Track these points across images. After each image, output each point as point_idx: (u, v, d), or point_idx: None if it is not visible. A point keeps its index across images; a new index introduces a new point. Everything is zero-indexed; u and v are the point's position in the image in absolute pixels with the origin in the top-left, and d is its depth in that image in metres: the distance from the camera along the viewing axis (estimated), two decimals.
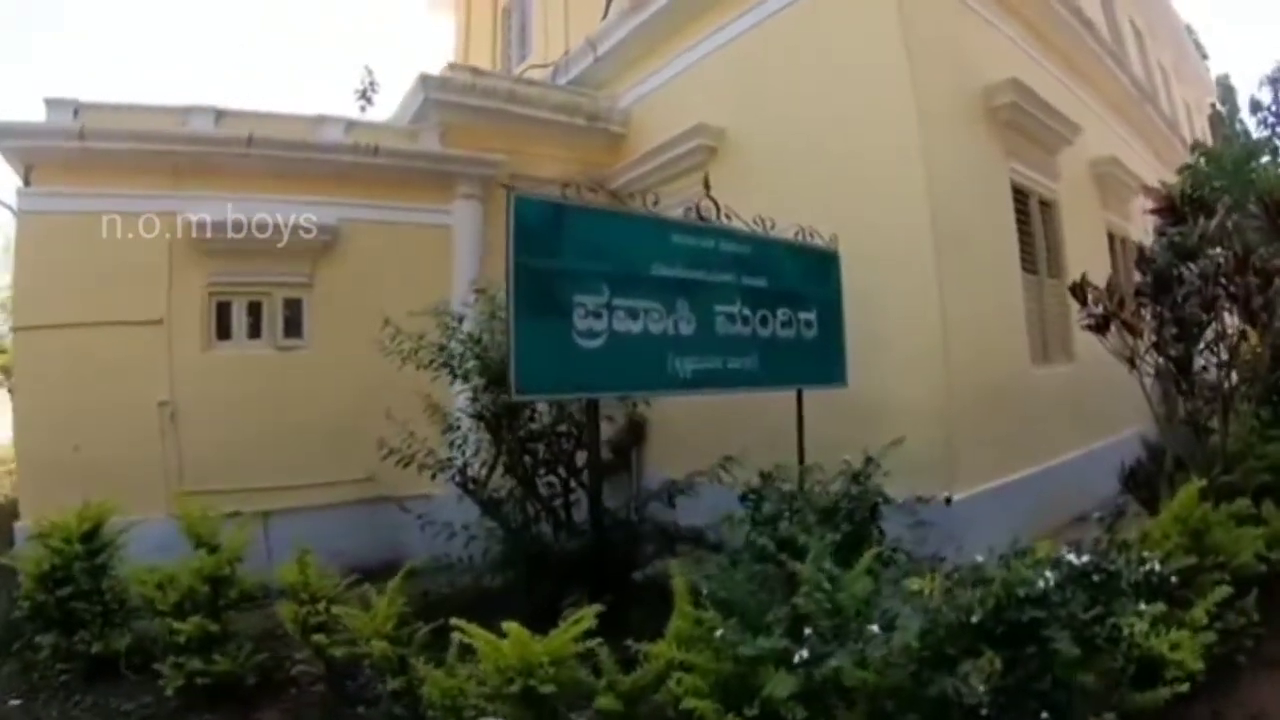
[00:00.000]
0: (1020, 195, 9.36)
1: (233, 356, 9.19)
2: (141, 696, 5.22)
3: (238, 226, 8.94)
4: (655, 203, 6.66)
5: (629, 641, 3.95)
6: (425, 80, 10.19)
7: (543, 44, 14.07)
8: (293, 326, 9.53)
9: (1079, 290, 6.59)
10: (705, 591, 4.02)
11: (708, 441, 7.42)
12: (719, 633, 3.68)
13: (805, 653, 3.41)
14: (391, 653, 4.67)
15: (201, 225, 8.90)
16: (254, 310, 9.40)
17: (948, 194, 7.61)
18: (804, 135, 8.53)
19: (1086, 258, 9.66)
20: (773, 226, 6.87)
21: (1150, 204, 7.42)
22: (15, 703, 5.30)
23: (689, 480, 6.73)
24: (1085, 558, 3.95)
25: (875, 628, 3.48)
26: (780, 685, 3.37)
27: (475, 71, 10.99)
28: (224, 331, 9.25)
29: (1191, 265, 6.30)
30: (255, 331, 9.40)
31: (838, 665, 3.33)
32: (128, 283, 8.67)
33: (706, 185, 6.58)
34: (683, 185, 9.72)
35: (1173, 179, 8.82)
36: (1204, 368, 6.54)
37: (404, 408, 7.01)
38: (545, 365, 5.02)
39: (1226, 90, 11.32)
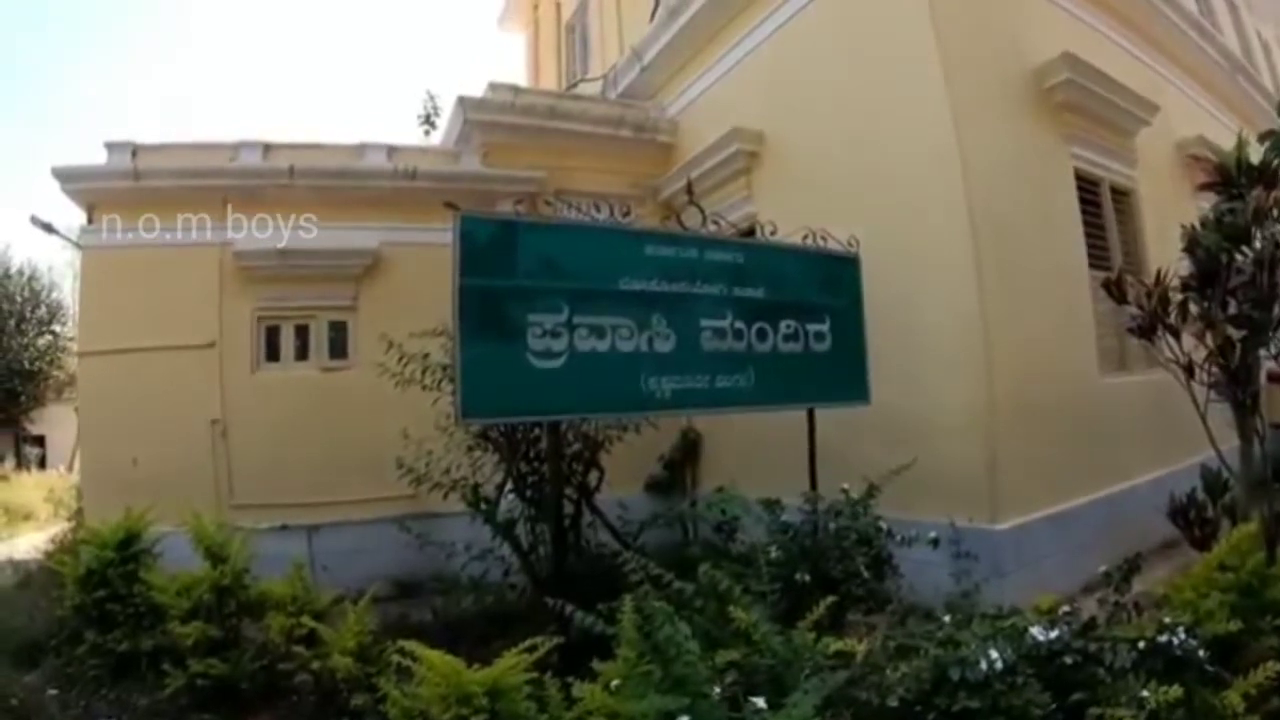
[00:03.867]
0: (1088, 184, 8.48)
1: (280, 377, 9.52)
2: (156, 694, 5.39)
3: (284, 253, 9.30)
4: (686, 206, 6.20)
5: (570, 679, 3.58)
6: (463, 102, 10.13)
7: (600, 58, 13.94)
8: (337, 348, 9.77)
9: (1115, 286, 5.70)
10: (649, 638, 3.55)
11: (763, 457, 7.14)
12: (615, 684, 3.27)
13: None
14: (356, 669, 4.77)
15: (250, 253, 9.32)
16: (301, 333, 9.69)
17: (990, 188, 6.89)
18: (839, 134, 7.96)
19: (1175, 250, 8.67)
20: (795, 233, 6.40)
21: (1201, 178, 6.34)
22: (52, 693, 5.61)
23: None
24: (1054, 633, 3.32)
25: (760, 701, 2.95)
26: None
27: (515, 90, 10.81)
28: (272, 353, 9.60)
29: (1246, 250, 5.24)
30: (302, 353, 9.70)
31: None
32: (182, 309, 9.16)
33: (689, 191, 6.07)
34: (729, 191, 9.47)
35: None
36: None
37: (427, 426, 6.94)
38: (495, 388, 4.74)
39: None
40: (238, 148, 9.64)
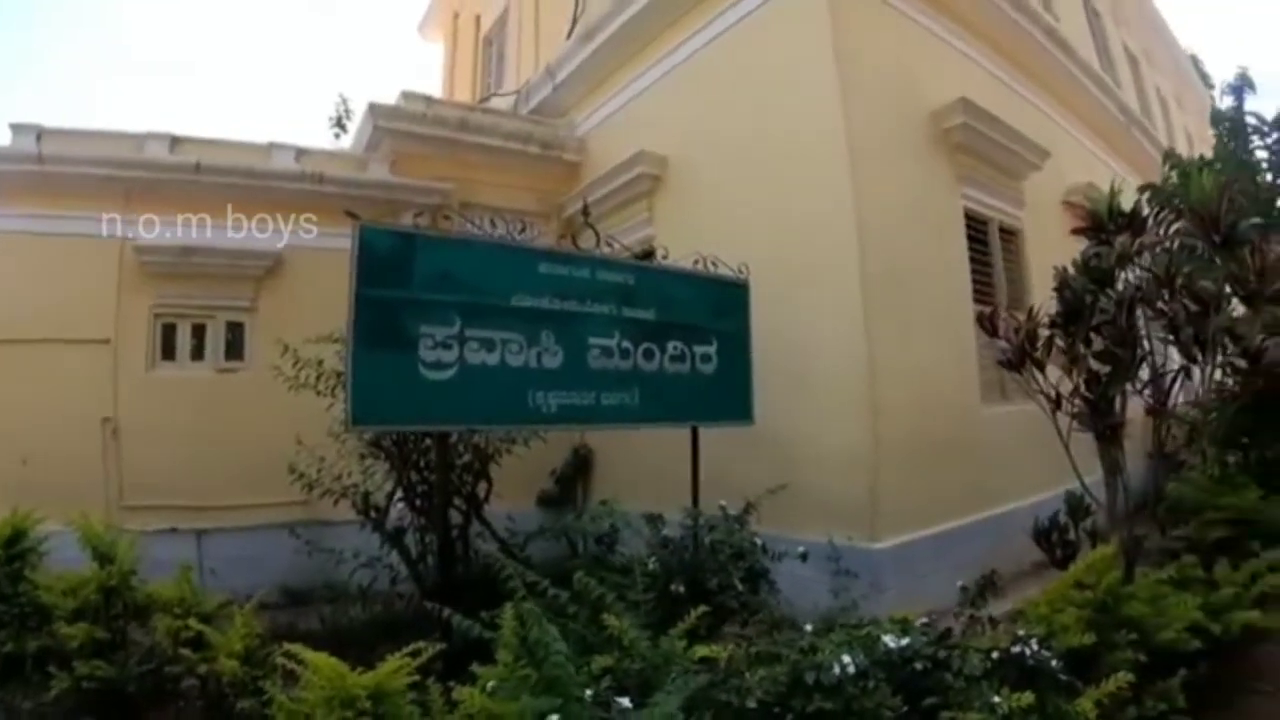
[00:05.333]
0: (978, 223, 8.96)
1: (175, 377, 9.33)
2: (41, 697, 5.26)
3: (186, 250, 9.12)
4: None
5: (453, 684, 3.67)
6: (375, 109, 10.16)
7: (515, 74, 14.08)
8: (234, 349, 9.65)
9: (987, 321, 6.10)
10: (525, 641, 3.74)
11: (650, 473, 7.29)
12: (490, 684, 3.39)
13: (555, 718, 3.06)
14: (243, 673, 4.69)
15: (151, 248, 9.12)
16: (198, 332, 9.53)
17: (882, 223, 7.25)
18: (741, 163, 8.27)
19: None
20: (690, 257, 6.66)
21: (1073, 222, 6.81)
22: None
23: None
24: (905, 641, 3.55)
25: (626, 701, 3.14)
26: None
27: (428, 100, 10.88)
28: (168, 352, 9.40)
29: (1110, 291, 5.63)
30: (198, 353, 9.53)
31: None
32: (78, 302, 8.91)
33: (585, 212, 6.36)
34: (631, 213, 9.70)
35: None
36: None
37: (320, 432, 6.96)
38: (385, 397, 4.83)
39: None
40: (144, 139, 9.46)
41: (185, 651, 5.13)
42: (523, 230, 5.95)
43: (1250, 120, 8.31)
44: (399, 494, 6.62)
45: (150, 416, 8.89)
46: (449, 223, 7.40)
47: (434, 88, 17.41)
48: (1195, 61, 22.99)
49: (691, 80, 9.13)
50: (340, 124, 16.03)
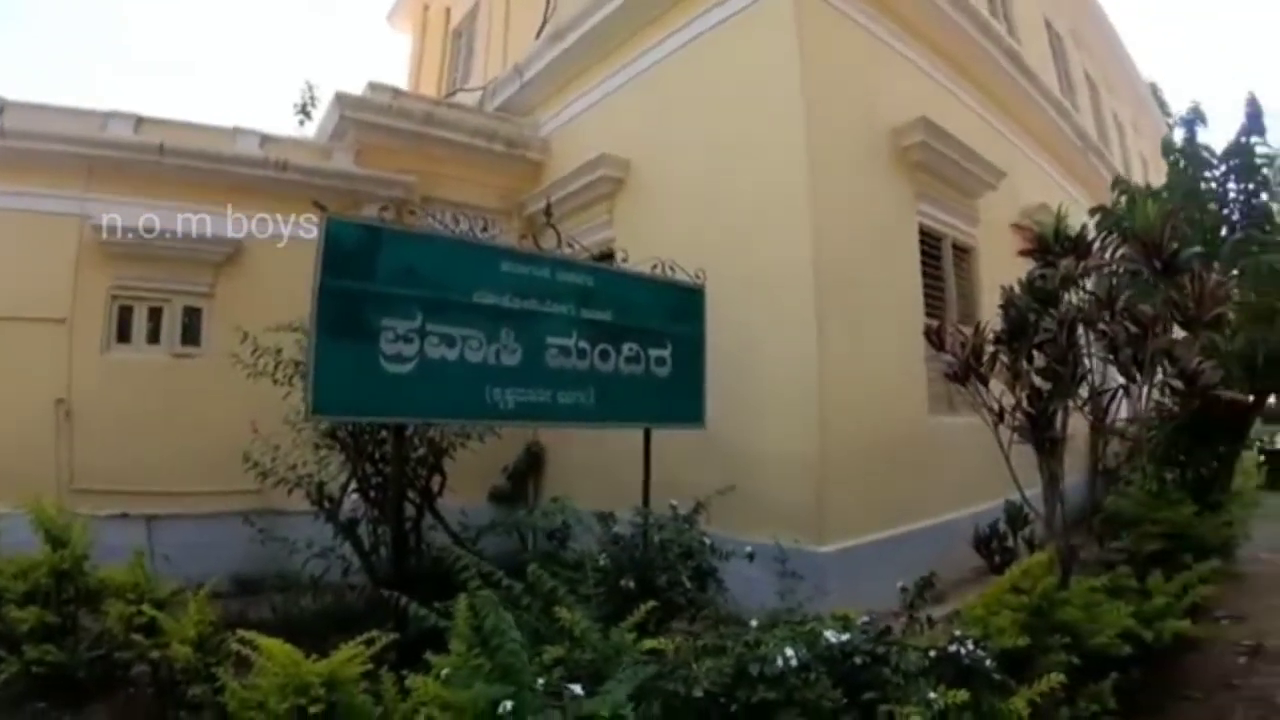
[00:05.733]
0: (932, 239, 9.24)
1: (131, 360, 9.24)
2: None
3: (146, 232, 9.04)
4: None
5: (405, 672, 3.79)
6: (341, 99, 10.17)
7: (483, 69, 14.14)
8: (191, 334, 9.58)
9: (935, 334, 6.30)
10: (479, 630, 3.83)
11: (602, 472, 7.43)
12: (445, 672, 3.48)
13: (509, 705, 3.15)
14: (195, 660, 4.68)
15: (111, 228, 9.00)
16: (155, 316, 9.45)
17: (838, 236, 7.47)
18: (703, 171, 8.44)
19: None
20: (648, 262, 6.81)
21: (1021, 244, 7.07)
22: None
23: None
24: (845, 636, 3.71)
25: (576, 687, 3.25)
26: None
27: (395, 92, 10.91)
28: (124, 334, 9.31)
29: (1053, 311, 5.83)
30: (154, 337, 9.45)
31: None
32: (35, 280, 8.79)
33: (548, 212, 6.50)
34: (592, 215, 9.83)
35: None
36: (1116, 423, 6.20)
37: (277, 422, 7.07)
38: (346, 387, 4.89)
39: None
40: (109, 117, 9.38)
41: (138, 637, 5.15)
42: (485, 228, 6.08)
43: (1200, 153, 8.64)
44: (353, 485, 6.68)
45: (104, 399, 8.81)
46: (413, 217, 7.48)
47: (400, 78, 17.45)
48: (1154, 89, 23.71)
49: (658, 85, 9.29)
50: (305, 111, 16.03)
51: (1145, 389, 5.80)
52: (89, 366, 8.94)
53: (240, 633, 4.15)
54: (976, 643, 3.96)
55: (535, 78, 11.36)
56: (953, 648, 3.87)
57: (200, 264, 9.51)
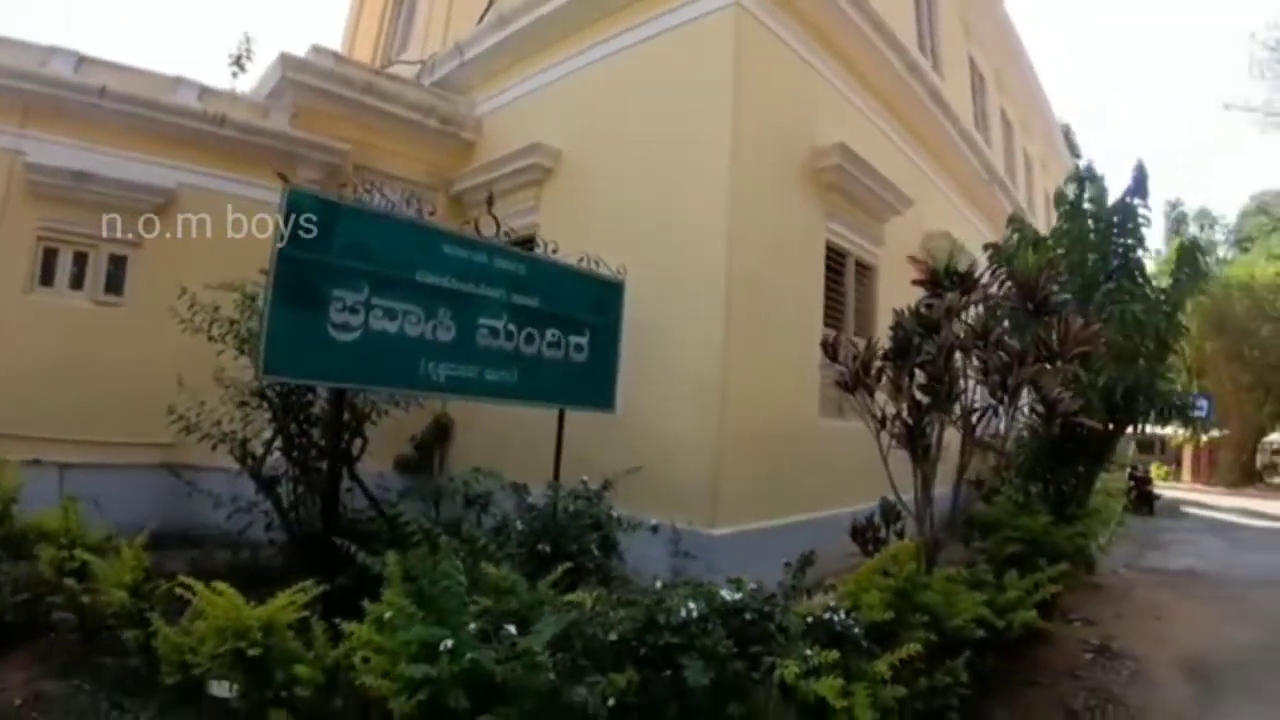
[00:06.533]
0: (837, 255, 10.04)
1: (52, 303, 9.34)
2: None
3: (79, 175, 9.19)
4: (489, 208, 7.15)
5: (338, 620, 4.24)
6: (285, 59, 10.40)
7: (422, 40, 14.37)
8: (114, 283, 9.72)
9: (830, 346, 7.00)
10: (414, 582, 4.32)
11: (512, 448, 7.87)
12: (388, 615, 3.95)
13: (449, 643, 3.68)
14: (130, 604, 4.97)
15: (43, 168, 9.12)
16: (79, 260, 9.56)
17: (751, 243, 8.18)
18: (630, 169, 9.07)
19: None
20: (573, 252, 7.38)
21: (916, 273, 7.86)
22: None
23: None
24: (738, 595, 4.37)
25: (512, 628, 3.82)
26: (416, 670, 3.62)
27: (336, 58, 11.25)
28: (47, 278, 9.39)
29: (935, 336, 6.54)
30: (78, 283, 9.56)
31: (474, 657, 3.64)
32: None
33: (489, 201, 7.01)
34: (519, 199, 10.34)
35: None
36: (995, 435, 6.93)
37: (208, 378, 7.24)
38: (295, 351, 5.29)
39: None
40: (50, 53, 9.40)
41: (70, 581, 5.36)
42: (409, 201, 6.48)
43: (1087, 206, 9.63)
44: (277, 443, 7.01)
45: (20, 341, 8.82)
46: (344, 188, 7.75)
47: (335, 36, 17.54)
48: (1067, 132, 25.41)
49: (596, 82, 9.86)
50: (239, 63, 15.97)
51: (1011, 411, 6.62)
52: (8, 306, 8.98)
53: (181, 578, 4.54)
54: (848, 613, 4.69)
55: (476, 58, 11.74)
56: (827, 615, 4.59)
57: (131, 211, 9.59)
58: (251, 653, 4.15)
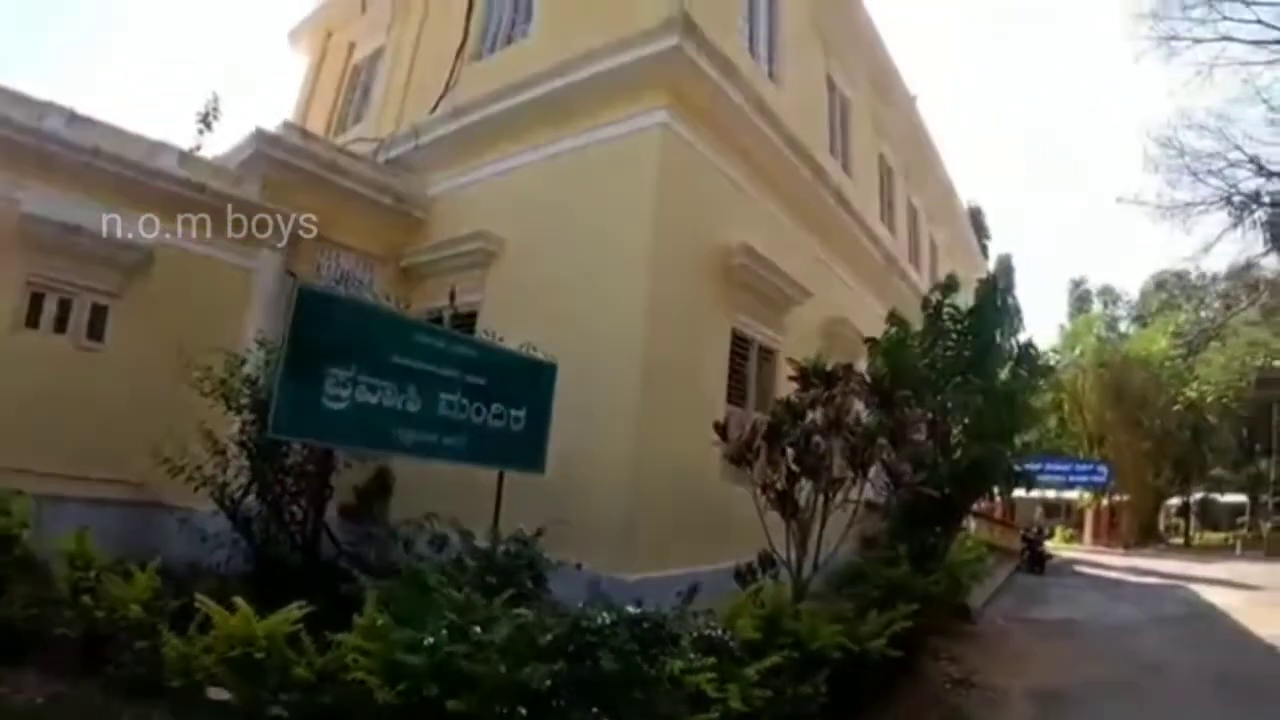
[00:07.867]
0: (742, 342, 11.81)
1: (36, 344, 10.19)
2: None
3: (68, 228, 10.13)
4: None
5: (327, 632, 5.38)
6: (259, 134, 11.65)
7: (377, 115, 15.40)
8: (96, 330, 10.70)
9: (719, 428, 8.79)
10: (388, 604, 5.59)
11: (449, 503, 8.58)
12: (380, 622, 5.20)
13: (430, 639, 5.01)
14: (145, 618, 5.89)
15: (37, 218, 10.03)
16: (64, 307, 10.50)
17: (666, 330, 9.79)
18: (568, 260, 10.53)
19: None
20: (510, 331, 9.03)
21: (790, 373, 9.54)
22: None
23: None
24: (640, 610, 5.81)
25: (478, 629, 5.25)
26: (408, 657, 4.85)
27: (305, 135, 12.65)
28: (33, 320, 10.30)
29: (801, 422, 8.48)
30: (61, 327, 10.48)
31: (449, 650, 4.94)
32: None
33: (452, 297, 8.60)
34: (466, 278, 11.74)
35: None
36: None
37: (181, 425, 8.21)
38: (297, 415, 6.76)
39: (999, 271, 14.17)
40: (46, 108, 10.27)
41: (85, 599, 6.23)
42: (363, 269, 7.78)
43: (948, 310, 11.67)
44: (254, 488, 8.18)
45: (6, 378, 9.48)
46: (305, 261, 8.52)
47: (289, 103, 18.37)
48: (977, 214, 27.88)
49: (540, 178, 11.37)
50: (205, 121, 16.77)
51: (863, 483, 8.50)
52: None
53: (199, 596, 5.57)
54: (724, 630, 6.16)
55: (430, 143, 13.16)
56: (708, 631, 6.07)
57: (112, 265, 10.65)
58: (258, 656, 5.25)
